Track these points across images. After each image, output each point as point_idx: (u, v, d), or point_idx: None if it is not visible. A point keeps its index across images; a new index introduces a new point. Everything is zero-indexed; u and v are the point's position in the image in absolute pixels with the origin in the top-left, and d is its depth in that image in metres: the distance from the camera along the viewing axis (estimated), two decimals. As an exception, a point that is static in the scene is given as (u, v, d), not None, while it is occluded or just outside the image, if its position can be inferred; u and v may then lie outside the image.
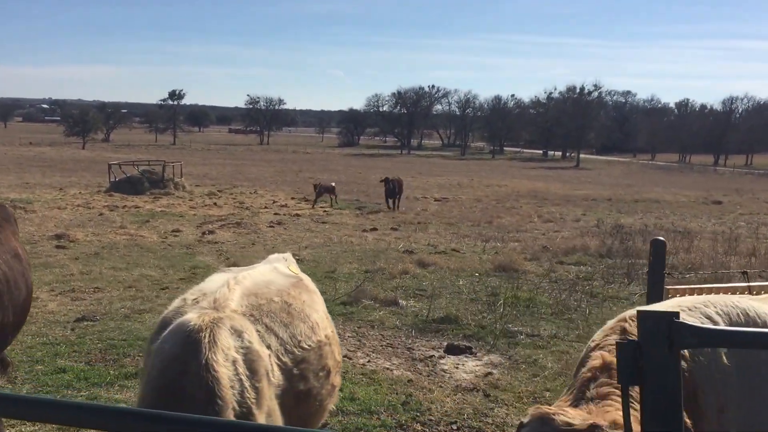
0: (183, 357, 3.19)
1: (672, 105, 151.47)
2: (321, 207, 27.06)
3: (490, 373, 8.30)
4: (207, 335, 3.25)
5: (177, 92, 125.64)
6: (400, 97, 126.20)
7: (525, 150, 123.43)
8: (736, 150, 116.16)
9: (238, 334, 3.42)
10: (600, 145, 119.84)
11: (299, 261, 15.34)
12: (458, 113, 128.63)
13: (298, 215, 23.88)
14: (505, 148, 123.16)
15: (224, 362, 3.23)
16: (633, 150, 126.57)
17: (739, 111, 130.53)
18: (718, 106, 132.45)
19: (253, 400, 3.30)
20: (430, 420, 6.85)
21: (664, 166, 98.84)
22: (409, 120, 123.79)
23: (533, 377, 8.16)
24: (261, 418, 3.35)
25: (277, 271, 4.53)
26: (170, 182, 30.25)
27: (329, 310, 11.35)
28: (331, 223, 22.47)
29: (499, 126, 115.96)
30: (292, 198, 29.66)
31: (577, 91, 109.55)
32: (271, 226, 20.73)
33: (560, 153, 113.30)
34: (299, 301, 4.13)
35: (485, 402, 7.38)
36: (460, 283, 13.44)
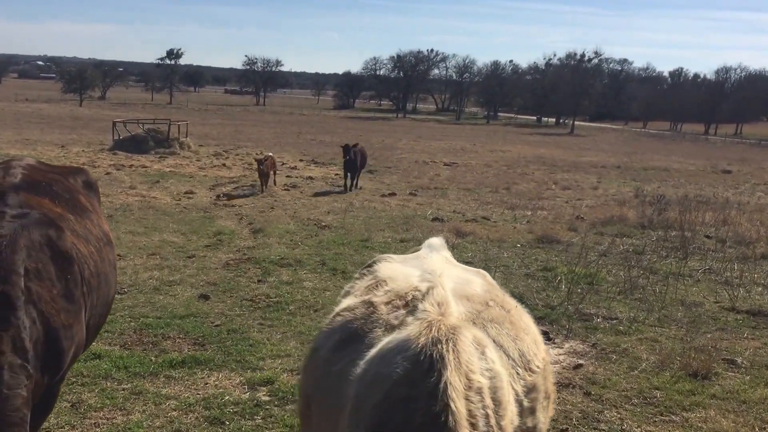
0: (411, 381, 2.35)
1: (666, 74, 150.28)
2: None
3: (580, 365, 7.33)
4: (450, 348, 2.41)
5: (175, 51, 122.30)
6: (398, 60, 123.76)
7: (519, 116, 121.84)
8: (726, 119, 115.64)
9: (481, 351, 2.62)
10: (593, 113, 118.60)
11: (325, 228, 14.41)
12: (455, 78, 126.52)
13: (311, 178, 22.69)
14: (499, 114, 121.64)
15: (466, 391, 2.39)
16: (625, 118, 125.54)
17: (732, 81, 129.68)
18: (711, 76, 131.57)
19: None
20: (538, 425, 5.87)
21: (656, 134, 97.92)
22: (407, 84, 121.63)
23: (630, 371, 7.21)
24: None
25: (454, 263, 3.61)
26: (175, 142, 28.78)
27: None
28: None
29: (496, 91, 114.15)
30: (300, 160, 28.37)
31: (577, 57, 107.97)
32: (286, 189, 19.56)
33: (554, 119, 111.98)
34: (512, 307, 3.21)
35: (589, 402, 6.42)
36: (505, 255, 12.46)
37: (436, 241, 3.89)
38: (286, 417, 5.74)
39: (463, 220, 16.04)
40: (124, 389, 6.16)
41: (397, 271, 3.30)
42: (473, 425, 2.34)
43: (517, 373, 2.84)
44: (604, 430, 5.90)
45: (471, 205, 19.18)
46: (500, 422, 2.48)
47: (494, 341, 2.82)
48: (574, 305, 9.23)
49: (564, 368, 7.28)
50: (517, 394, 2.78)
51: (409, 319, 2.72)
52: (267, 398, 6.10)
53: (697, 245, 13.90)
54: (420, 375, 2.33)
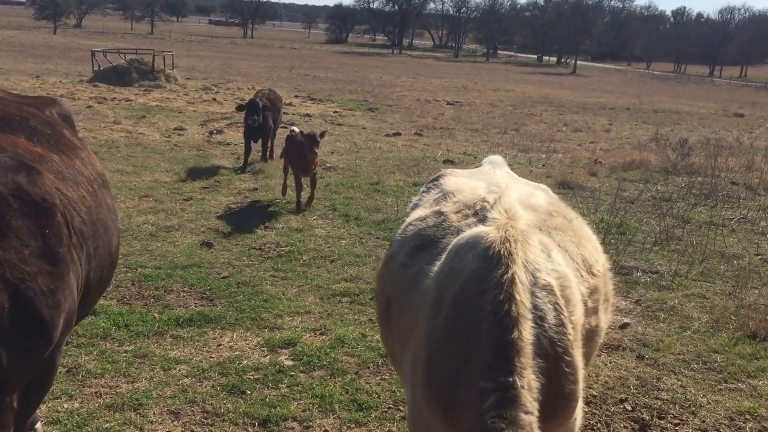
0: (482, 275, 2.54)
1: (669, 13, 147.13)
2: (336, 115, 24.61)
3: (626, 324, 6.69)
4: (518, 247, 2.58)
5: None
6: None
7: (519, 54, 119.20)
8: (730, 61, 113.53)
9: (547, 253, 2.78)
10: (595, 52, 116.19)
11: (331, 169, 13.60)
12: (452, 13, 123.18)
13: (308, 115, 21.62)
14: (498, 52, 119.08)
15: (532, 287, 2.56)
16: (627, 58, 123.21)
17: (736, 21, 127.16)
18: (715, 16, 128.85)
19: (571, 338, 2.59)
20: (594, 396, 5.25)
21: (660, 75, 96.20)
22: (402, 18, 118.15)
23: (683, 331, 6.57)
24: (579, 363, 2.65)
25: (517, 178, 3.85)
26: (161, 74, 27.16)
27: (393, 233, 9.56)
28: (347, 125, 20.39)
29: (494, 28, 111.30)
30: (296, 96, 27.14)
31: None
32: (284, 127, 18.57)
33: (555, 58, 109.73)
34: (574, 217, 3.39)
35: (644, 367, 5.79)
36: (526, 201, 11.71)
37: (497, 158, 4.01)
38: (315, 385, 5.08)
39: (474, 163, 15.23)
40: (126, 351, 5.48)
41: (463, 183, 3.47)
42: (541, 318, 2.48)
43: (581, 276, 2.96)
44: (665, 399, 5.27)
45: (481, 146, 18.33)
46: (571, 318, 2.61)
47: (559, 245, 2.96)
48: (611, 257, 8.52)
49: (611, 328, 6.63)
50: (582, 295, 2.88)
51: (479, 224, 2.88)
52: (290, 363, 5.43)
53: (725, 192, 13.19)
54: (489, 269, 2.51)
